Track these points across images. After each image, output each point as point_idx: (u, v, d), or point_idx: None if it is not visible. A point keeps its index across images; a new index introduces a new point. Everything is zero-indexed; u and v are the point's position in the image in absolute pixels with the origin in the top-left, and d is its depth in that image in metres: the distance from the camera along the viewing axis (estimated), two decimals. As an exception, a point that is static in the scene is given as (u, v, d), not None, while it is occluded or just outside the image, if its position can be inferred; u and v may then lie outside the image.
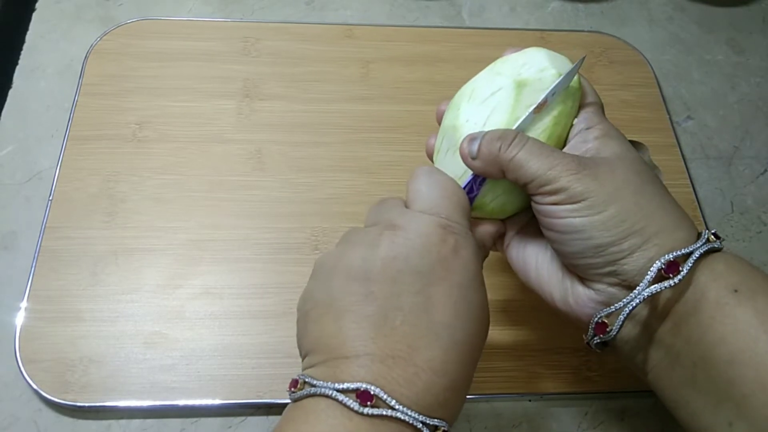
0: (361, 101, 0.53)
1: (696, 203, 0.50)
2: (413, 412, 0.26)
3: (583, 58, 0.33)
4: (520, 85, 0.33)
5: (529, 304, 0.44)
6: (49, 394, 0.39)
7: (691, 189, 0.51)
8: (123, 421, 0.40)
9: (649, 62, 0.58)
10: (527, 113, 0.32)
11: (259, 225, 0.46)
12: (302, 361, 0.29)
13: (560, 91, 0.33)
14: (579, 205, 0.30)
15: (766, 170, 0.54)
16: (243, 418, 0.40)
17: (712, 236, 0.31)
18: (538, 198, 0.31)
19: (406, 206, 0.32)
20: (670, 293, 0.30)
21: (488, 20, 0.60)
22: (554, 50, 0.57)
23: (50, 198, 0.46)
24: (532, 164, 0.31)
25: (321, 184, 0.48)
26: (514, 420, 0.42)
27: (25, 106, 0.51)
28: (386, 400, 0.26)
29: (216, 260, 0.45)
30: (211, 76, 0.53)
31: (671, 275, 0.29)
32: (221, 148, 0.49)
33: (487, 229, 0.35)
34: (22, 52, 0.54)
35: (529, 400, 0.42)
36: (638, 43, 0.59)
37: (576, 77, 0.34)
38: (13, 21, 0.56)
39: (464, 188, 0.33)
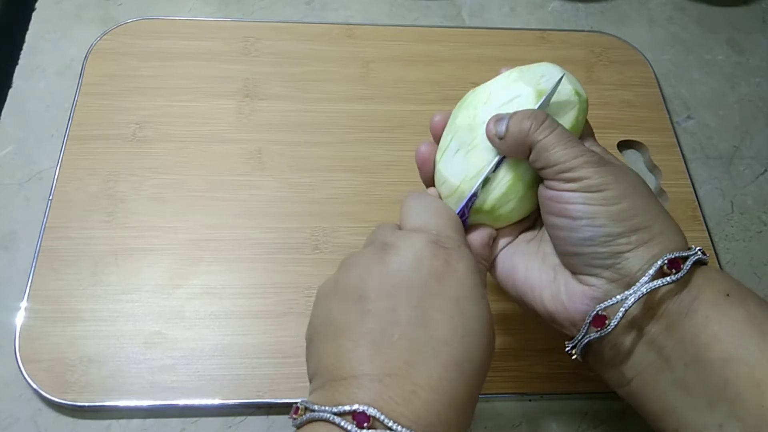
0: (361, 101, 0.53)
1: (696, 203, 0.50)
2: None
3: (562, 76, 0.35)
4: (540, 95, 0.34)
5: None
6: (49, 394, 0.39)
7: (691, 189, 0.51)
8: (123, 421, 0.40)
9: (649, 62, 0.58)
10: None
11: (259, 225, 0.46)
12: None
13: (546, 103, 0.34)
14: (596, 194, 0.31)
15: (766, 170, 0.54)
16: (243, 418, 0.40)
17: (699, 252, 0.32)
18: (554, 184, 0.32)
19: (401, 227, 0.32)
20: (666, 291, 0.31)
21: (488, 20, 0.60)
22: (554, 50, 0.58)
23: (50, 198, 0.46)
24: (559, 150, 0.31)
25: (321, 184, 0.48)
26: (514, 420, 0.42)
27: (25, 106, 0.51)
28: (383, 420, 0.25)
29: (216, 260, 0.45)
30: (211, 76, 0.53)
31: (673, 270, 0.30)
32: (221, 147, 0.49)
33: (479, 240, 0.34)
34: (22, 52, 0.54)
35: (529, 400, 0.42)
36: (638, 43, 0.59)
37: (583, 90, 0.36)
38: (13, 21, 0.56)
39: (457, 213, 0.33)
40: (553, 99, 0.34)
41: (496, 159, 0.33)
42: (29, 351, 0.40)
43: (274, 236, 0.46)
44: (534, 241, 0.36)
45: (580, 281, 0.32)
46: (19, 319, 0.41)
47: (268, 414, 0.40)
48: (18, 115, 0.51)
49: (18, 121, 0.50)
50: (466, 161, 0.34)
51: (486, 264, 0.34)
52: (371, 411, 0.25)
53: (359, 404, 0.25)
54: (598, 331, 0.31)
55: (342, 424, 0.25)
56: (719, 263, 0.48)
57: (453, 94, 0.54)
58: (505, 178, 0.34)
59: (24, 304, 0.42)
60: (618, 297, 0.31)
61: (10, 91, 0.52)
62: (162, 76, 0.52)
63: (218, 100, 0.52)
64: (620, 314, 0.30)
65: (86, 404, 0.39)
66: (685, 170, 0.52)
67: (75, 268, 0.43)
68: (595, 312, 0.31)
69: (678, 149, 0.53)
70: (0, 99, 0.51)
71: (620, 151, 0.53)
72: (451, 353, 0.27)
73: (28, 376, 0.39)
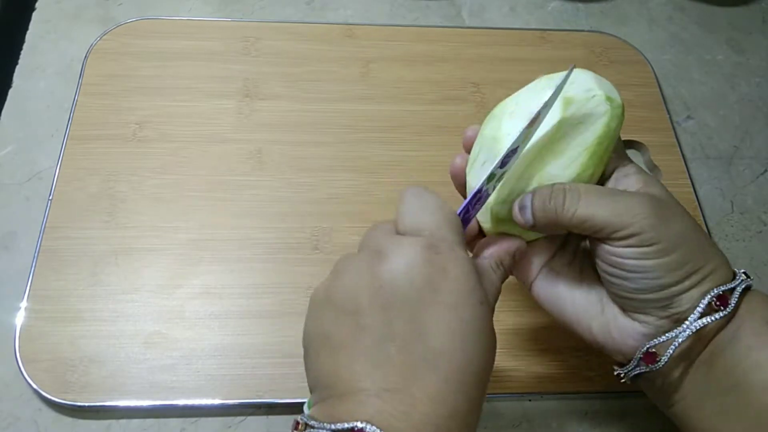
0: (361, 101, 0.53)
1: (696, 203, 0.50)
2: None
3: (572, 67, 0.33)
4: (567, 103, 0.32)
5: (528, 304, 0.44)
6: (49, 394, 0.39)
7: (691, 189, 0.51)
8: (123, 421, 0.40)
9: (649, 62, 0.58)
10: (520, 131, 0.31)
11: (259, 225, 0.46)
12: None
13: (551, 105, 0.32)
14: (650, 248, 0.31)
15: (766, 170, 0.54)
16: (243, 418, 0.40)
17: (743, 275, 0.32)
18: (607, 242, 0.31)
19: (396, 227, 0.31)
20: (716, 324, 0.31)
21: (488, 20, 0.60)
22: (554, 50, 0.58)
23: (50, 198, 0.46)
24: (599, 214, 0.31)
25: (321, 184, 0.48)
26: (514, 420, 0.42)
27: (25, 106, 0.51)
28: None
29: (216, 260, 0.45)
30: (211, 75, 0.53)
31: (722, 307, 0.31)
32: (221, 147, 0.49)
33: (505, 247, 0.33)
34: (22, 52, 0.54)
35: (529, 400, 0.42)
36: (638, 43, 0.59)
37: (618, 95, 0.34)
38: (13, 21, 0.56)
39: (459, 213, 0.32)
40: (581, 109, 0.32)
41: (501, 155, 0.31)
42: (29, 351, 0.40)
43: (274, 236, 0.46)
44: (574, 265, 0.36)
45: (631, 317, 0.33)
46: (19, 319, 0.41)
47: (268, 414, 0.40)
48: (18, 115, 0.51)
49: (18, 121, 0.50)
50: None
51: (506, 272, 0.33)
52: (370, 429, 0.25)
53: (358, 421, 0.25)
54: (649, 366, 0.32)
55: None
56: (719, 263, 0.48)
57: (453, 94, 0.55)
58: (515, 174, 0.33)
59: (24, 304, 0.42)
60: (669, 335, 0.31)
61: (10, 91, 0.52)
62: (162, 76, 0.52)
63: (218, 100, 0.52)
64: (671, 351, 0.31)
65: (86, 404, 0.39)
66: (685, 170, 0.52)
67: (75, 268, 0.43)
68: (646, 348, 0.32)
69: (678, 149, 0.53)
70: (0, 99, 0.51)
71: (620, 151, 0.53)
72: (450, 363, 0.27)
73: (28, 376, 0.39)
